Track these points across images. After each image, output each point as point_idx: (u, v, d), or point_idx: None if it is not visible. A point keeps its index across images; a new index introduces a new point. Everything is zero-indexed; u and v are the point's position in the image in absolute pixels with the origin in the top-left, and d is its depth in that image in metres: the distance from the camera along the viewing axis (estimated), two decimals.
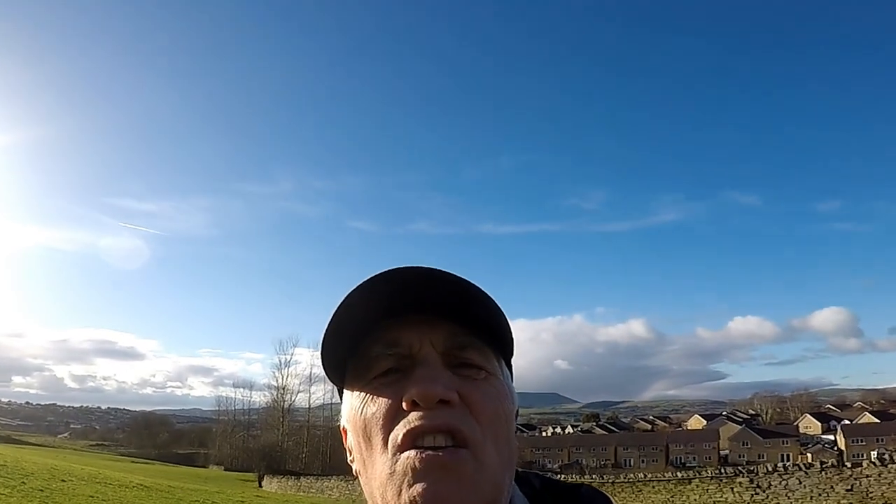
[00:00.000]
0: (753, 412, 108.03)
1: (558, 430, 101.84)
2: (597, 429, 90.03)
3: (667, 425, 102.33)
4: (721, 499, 22.71)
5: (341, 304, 0.71)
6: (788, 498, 21.29)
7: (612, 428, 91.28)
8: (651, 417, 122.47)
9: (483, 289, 0.73)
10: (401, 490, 0.64)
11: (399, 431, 0.65)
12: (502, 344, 0.76)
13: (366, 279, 0.71)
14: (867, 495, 19.91)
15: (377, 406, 0.68)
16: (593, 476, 30.36)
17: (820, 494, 20.84)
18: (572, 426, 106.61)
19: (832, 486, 20.66)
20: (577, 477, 29.66)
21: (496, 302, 0.75)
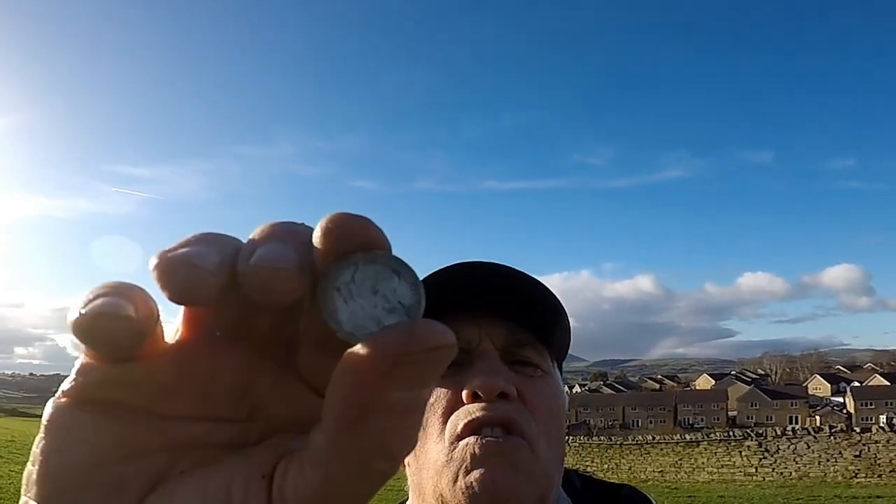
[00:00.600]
0: (763, 372, 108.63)
1: (566, 389, 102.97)
2: (605, 388, 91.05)
3: (675, 385, 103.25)
4: (729, 462, 22.88)
5: None
6: (796, 463, 21.39)
7: (620, 387, 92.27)
8: (659, 376, 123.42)
9: (548, 287, 0.74)
10: (457, 476, 0.64)
11: (459, 421, 0.66)
12: (559, 345, 0.77)
13: (428, 273, 0.71)
14: (875, 462, 19.94)
15: (435, 397, 0.69)
16: (601, 437, 30.65)
17: (828, 460, 20.91)
18: (580, 385, 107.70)
19: (840, 452, 20.70)
20: (584, 438, 29.98)
21: (560, 302, 0.76)
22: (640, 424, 67.41)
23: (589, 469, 24.13)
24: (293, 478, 0.23)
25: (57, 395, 0.24)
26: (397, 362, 0.21)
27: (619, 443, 27.04)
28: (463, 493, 0.63)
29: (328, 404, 0.22)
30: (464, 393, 0.67)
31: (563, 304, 0.77)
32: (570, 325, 0.80)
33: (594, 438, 29.67)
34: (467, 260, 0.74)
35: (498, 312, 0.72)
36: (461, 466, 0.64)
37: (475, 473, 0.63)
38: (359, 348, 0.21)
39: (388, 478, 0.23)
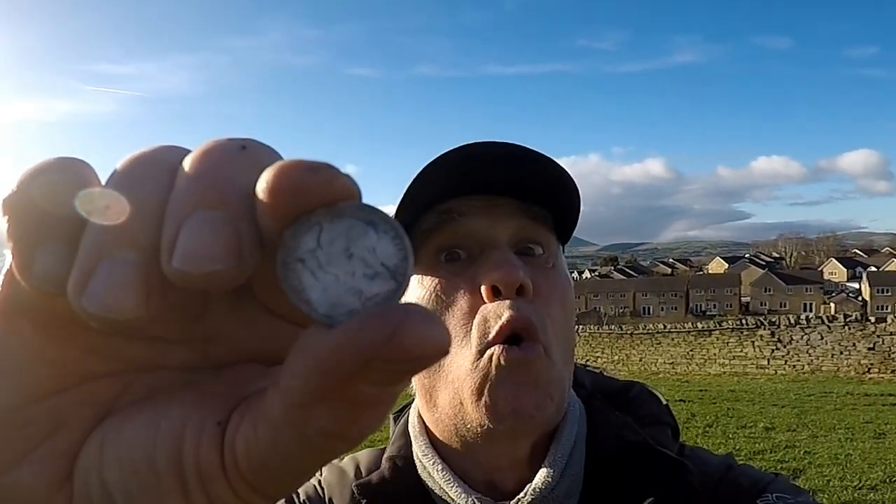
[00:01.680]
0: (777, 255, 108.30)
1: (575, 274, 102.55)
2: (615, 273, 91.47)
3: (687, 269, 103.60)
4: (741, 353, 22.77)
5: (411, 181, 0.64)
6: (809, 355, 21.19)
7: (631, 272, 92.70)
8: (671, 260, 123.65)
9: (562, 166, 0.67)
10: (482, 389, 0.60)
11: (490, 324, 0.61)
12: (570, 231, 0.72)
13: (438, 155, 0.64)
14: (889, 356, 19.61)
15: (450, 294, 0.64)
16: (612, 326, 30.72)
17: (841, 353, 20.65)
18: (590, 270, 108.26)
19: (854, 343, 20.36)
20: (595, 327, 30.07)
21: (575, 184, 0.68)
22: (651, 311, 68.26)
23: (599, 360, 24.18)
24: (245, 431, 0.20)
25: None
26: (372, 366, 0.17)
27: (629, 332, 27.02)
28: (487, 408, 0.60)
29: (286, 372, 0.18)
30: (482, 289, 0.62)
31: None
32: (581, 207, 0.72)
33: (604, 327, 29.73)
34: (478, 141, 0.64)
35: (507, 196, 0.66)
36: (486, 378, 0.60)
37: (500, 391, 0.60)
38: (329, 334, 0.17)
39: (343, 452, 0.20)
